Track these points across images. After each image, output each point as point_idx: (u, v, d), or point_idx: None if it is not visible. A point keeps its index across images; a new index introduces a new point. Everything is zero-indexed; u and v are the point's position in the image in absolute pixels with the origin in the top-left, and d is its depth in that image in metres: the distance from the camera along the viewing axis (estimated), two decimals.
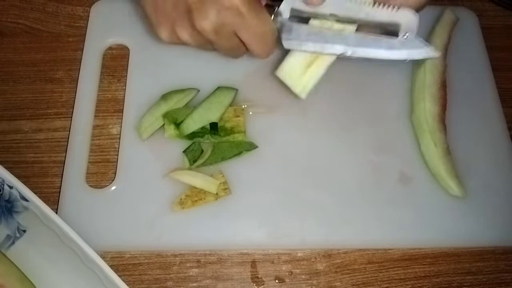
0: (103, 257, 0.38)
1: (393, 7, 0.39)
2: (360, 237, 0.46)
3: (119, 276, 0.37)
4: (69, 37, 0.56)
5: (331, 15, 0.39)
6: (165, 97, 0.49)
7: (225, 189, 0.46)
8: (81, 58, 0.53)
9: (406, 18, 0.40)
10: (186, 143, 0.48)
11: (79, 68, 0.52)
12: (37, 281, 0.41)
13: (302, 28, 0.40)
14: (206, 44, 0.41)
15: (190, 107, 0.49)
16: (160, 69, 0.52)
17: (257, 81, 0.52)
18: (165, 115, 0.48)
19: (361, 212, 0.46)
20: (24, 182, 0.40)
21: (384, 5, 0.39)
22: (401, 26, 0.40)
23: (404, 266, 0.46)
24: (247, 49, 0.42)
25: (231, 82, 0.51)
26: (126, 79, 0.52)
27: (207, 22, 0.37)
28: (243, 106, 0.50)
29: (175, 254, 0.45)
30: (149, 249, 0.45)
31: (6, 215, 0.42)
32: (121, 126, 0.49)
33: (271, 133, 0.49)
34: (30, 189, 0.40)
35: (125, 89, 0.51)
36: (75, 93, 0.51)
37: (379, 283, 0.45)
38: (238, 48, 0.41)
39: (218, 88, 0.50)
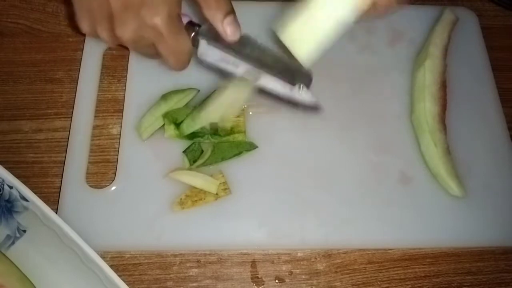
0: (103, 257, 0.38)
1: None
2: (360, 237, 0.46)
3: (119, 276, 0.37)
4: (69, 37, 0.56)
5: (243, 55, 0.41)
6: (165, 97, 0.49)
7: (225, 189, 0.46)
8: (81, 58, 0.53)
9: (302, 74, 0.42)
10: (186, 143, 0.48)
11: (79, 68, 0.52)
12: (37, 281, 0.41)
13: (216, 53, 0.41)
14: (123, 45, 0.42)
15: (190, 107, 0.49)
16: (160, 69, 0.52)
17: None
18: (165, 115, 0.48)
19: (361, 212, 0.46)
20: (24, 182, 0.40)
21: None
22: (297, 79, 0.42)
23: (404, 266, 0.46)
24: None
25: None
26: (126, 79, 0.52)
27: (127, 32, 0.38)
28: (243, 106, 0.50)
29: (175, 254, 0.45)
30: (149, 249, 0.45)
31: (6, 215, 0.42)
32: (121, 126, 0.49)
33: (271, 133, 0.49)
34: (30, 189, 0.40)
35: (125, 89, 0.51)
36: (75, 93, 0.51)
37: (379, 283, 0.45)
38: (155, 56, 0.42)
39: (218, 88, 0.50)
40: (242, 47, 0.40)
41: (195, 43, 0.41)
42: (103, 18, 0.38)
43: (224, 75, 0.43)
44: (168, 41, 0.38)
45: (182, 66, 0.42)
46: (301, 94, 0.42)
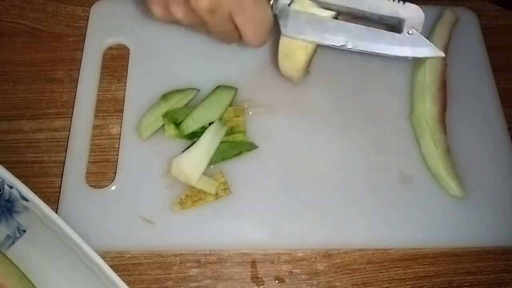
0: (103, 257, 0.38)
1: (398, 0, 0.38)
2: (360, 237, 0.46)
3: (119, 276, 0.37)
4: (69, 37, 0.56)
5: (334, 5, 0.38)
6: (165, 97, 0.49)
7: (225, 189, 0.46)
8: (81, 58, 0.53)
9: (411, 13, 0.38)
10: (186, 143, 0.48)
11: (79, 68, 0.52)
12: (37, 281, 0.41)
13: (301, 15, 0.38)
14: (199, 24, 0.39)
15: (190, 107, 0.49)
16: (160, 69, 0.52)
17: (257, 81, 0.52)
18: (165, 115, 0.48)
19: (361, 212, 0.46)
20: (24, 182, 0.40)
21: None
22: (405, 22, 0.38)
23: (404, 266, 0.46)
24: (240, 37, 0.40)
25: (231, 82, 0.51)
26: (126, 79, 0.52)
27: (204, 1, 0.36)
28: (243, 106, 0.50)
29: (175, 254, 0.45)
30: (149, 249, 0.45)
31: (6, 215, 0.42)
32: (121, 126, 0.49)
33: (271, 133, 0.49)
34: (30, 189, 0.40)
35: (125, 89, 0.51)
36: (75, 93, 0.51)
37: (379, 283, 0.45)
38: (231, 34, 0.40)
39: (218, 87, 0.50)
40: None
41: (275, 10, 0.38)
42: None
43: (315, 40, 0.39)
44: (246, 6, 0.36)
45: (261, 37, 0.39)
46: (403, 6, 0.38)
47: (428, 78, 0.50)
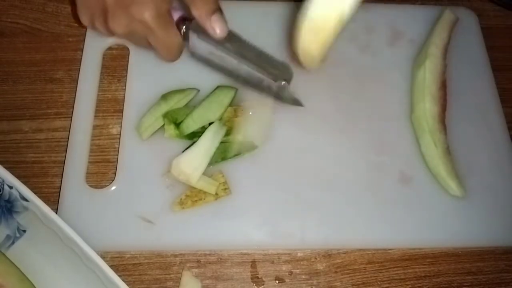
0: (103, 257, 0.38)
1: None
2: (360, 237, 0.46)
3: (119, 276, 0.37)
4: (69, 37, 0.56)
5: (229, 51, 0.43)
6: (165, 97, 0.49)
7: (225, 189, 0.46)
8: (81, 58, 0.53)
9: (284, 70, 0.44)
10: (186, 143, 0.48)
11: (79, 68, 0.52)
12: (37, 281, 0.41)
13: (206, 46, 0.43)
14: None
15: (190, 107, 0.49)
16: (160, 69, 0.52)
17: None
18: (165, 115, 0.48)
19: (361, 212, 0.46)
20: (24, 182, 0.40)
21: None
22: (279, 75, 0.43)
23: (404, 266, 0.46)
24: None
25: (231, 82, 0.51)
26: (126, 79, 0.52)
27: (120, 26, 0.40)
28: (243, 106, 0.50)
29: (175, 254, 0.45)
30: (149, 249, 0.45)
31: (6, 215, 0.42)
32: (121, 126, 0.49)
33: (271, 133, 0.49)
34: (30, 189, 0.40)
35: (125, 89, 0.51)
36: (75, 93, 0.51)
37: (379, 283, 0.45)
38: (149, 48, 0.44)
39: (218, 87, 0.50)
40: (227, 42, 0.42)
41: (186, 37, 0.43)
42: (99, 13, 0.40)
43: (214, 68, 0.45)
44: (157, 35, 0.40)
45: (172, 58, 0.44)
46: (283, 89, 0.44)
47: (428, 78, 0.50)
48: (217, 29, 0.41)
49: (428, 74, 0.51)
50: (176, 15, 0.42)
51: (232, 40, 0.42)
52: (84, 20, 0.43)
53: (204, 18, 0.40)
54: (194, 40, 0.42)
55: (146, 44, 0.43)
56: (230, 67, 0.44)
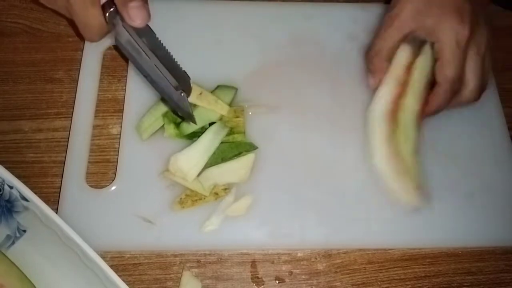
0: (103, 257, 0.38)
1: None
2: (360, 237, 0.46)
3: (119, 276, 0.37)
4: (69, 37, 0.56)
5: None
6: None
7: (225, 189, 0.46)
8: (81, 58, 0.53)
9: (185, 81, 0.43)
10: (186, 143, 0.48)
11: (79, 68, 0.52)
12: (37, 281, 0.41)
13: (126, 36, 0.41)
14: None
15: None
16: None
17: (257, 81, 0.52)
18: (165, 115, 0.48)
19: (361, 212, 0.46)
20: (24, 182, 0.40)
21: None
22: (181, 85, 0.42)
23: (404, 266, 0.46)
24: None
25: (231, 82, 0.51)
26: (126, 79, 0.52)
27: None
28: (243, 106, 0.50)
29: (175, 254, 0.45)
30: (149, 249, 0.45)
31: (6, 215, 0.42)
32: (121, 126, 0.49)
33: (271, 133, 0.49)
34: (30, 189, 0.40)
35: (125, 89, 0.51)
36: (75, 93, 0.51)
37: (379, 283, 0.45)
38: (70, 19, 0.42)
39: (218, 87, 0.50)
40: (145, 37, 0.40)
41: (111, 21, 0.40)
42: None
43: (131, 61, 0.42)
44: (75, 11, 0.39)
45: (91, 38, 0.42)
46: (183, 100, 0.42)
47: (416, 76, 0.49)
48: (133, 17, 0.38)
49: (417, 74, 0.49)
50: None
51: (149, 37, 0.41)
52: None
53: (121, 4, 0.38)
54: (119, 27, 0.40)
55: (68, 16, 0.41)
56: (143, 63, 0.41)
